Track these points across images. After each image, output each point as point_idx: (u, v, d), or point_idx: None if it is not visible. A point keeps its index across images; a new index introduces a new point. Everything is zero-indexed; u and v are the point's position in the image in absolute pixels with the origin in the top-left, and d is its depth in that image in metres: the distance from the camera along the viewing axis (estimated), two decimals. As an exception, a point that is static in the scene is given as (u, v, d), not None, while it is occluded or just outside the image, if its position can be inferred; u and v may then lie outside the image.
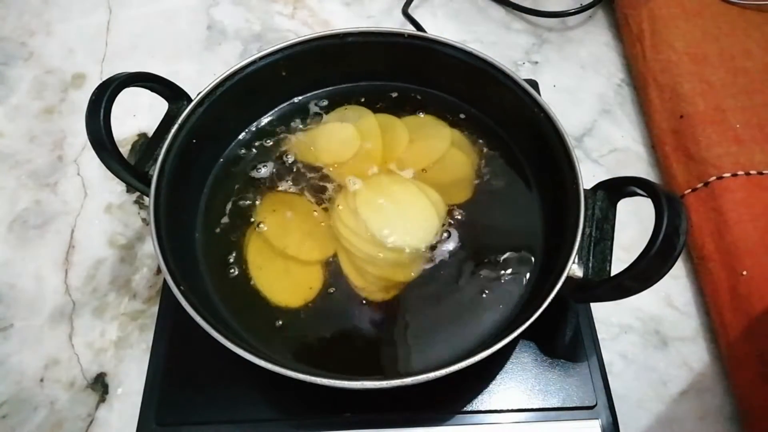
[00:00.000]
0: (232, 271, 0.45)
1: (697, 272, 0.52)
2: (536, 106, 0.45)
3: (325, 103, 0.54)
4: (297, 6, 0.73)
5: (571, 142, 0.42)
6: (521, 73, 0.65)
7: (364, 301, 0.44)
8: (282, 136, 0.52)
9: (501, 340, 0.35)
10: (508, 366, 0.45)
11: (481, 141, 0.51)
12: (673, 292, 0.52)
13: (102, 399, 0.47)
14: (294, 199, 0.48)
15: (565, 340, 0.47)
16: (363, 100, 0.54)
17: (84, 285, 0.53)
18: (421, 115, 0.53)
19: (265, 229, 0.47)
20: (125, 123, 0.62)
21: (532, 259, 0.45)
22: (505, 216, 0.47)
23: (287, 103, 0.53)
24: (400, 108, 0.53)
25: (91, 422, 0.46)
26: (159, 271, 0.53)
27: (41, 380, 0.48)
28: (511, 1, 0.71)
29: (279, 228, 0.47)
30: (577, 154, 0.42)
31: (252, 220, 0.47)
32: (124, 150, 0.60)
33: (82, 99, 0.59)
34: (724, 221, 0.49)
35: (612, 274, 0.39)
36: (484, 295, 0.44)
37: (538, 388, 0.44)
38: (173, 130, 0.44)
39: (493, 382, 0.44)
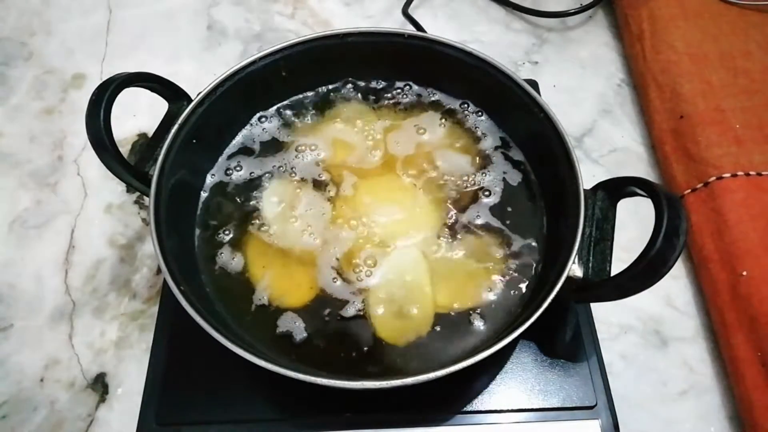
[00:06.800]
0: (232, 270, 0.45)
1: (697, 272, 0.52)
2: (536, 106, 0.45)
3: (325, 103, 0.54)
4: (297, 6, 0.73)
5: (571, 142, 0.42)
6: (521, 73, 0.65)
7: (364, 301, 0.43)
8: (282, 136, 0.52)
9: (501, 340, 0.35)
10: (508, 366, 0.45)
11: (481, 141, 0.51)
12: (673, 292, 0.52)
13: (102, 399, 0.47)
14: (294, 199, 0.48)
15: (565, 340, 0.47)
16: (363, 99, 0.54)
17: (84, 285, 0.53)
18: (421, 114, 0.53)
19: (266, 229, 0.47)
20: (125, 123, 0.62)
21: (532, 259, 0.45)
22: (505, 216, 0.47)
23: (287, 103, 0.53)
24: (400, 108, 0.53)
25: (91, 422, 0.46)
26: (159, 271, 0.53)
27: (41, 380, 0.48)
28: (511, 1, 0.71)
29: (279, 228, 0.47)
30: (577, 154, 0.42)
31: (252, 220, 0.47)
32: (124, 150, 0.60)
33: (82, 99, 0.59)
34: (723, 222, 0.49)
35: (612, 274, 0.39)
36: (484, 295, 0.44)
37: (538, 388, 0.44)
38: (173, 130, 0.44)
39: (493, 382, 0.44)
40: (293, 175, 0.50)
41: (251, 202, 0.48)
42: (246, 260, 0.45)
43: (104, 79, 0.42)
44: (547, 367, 0.45)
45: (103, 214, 0.57)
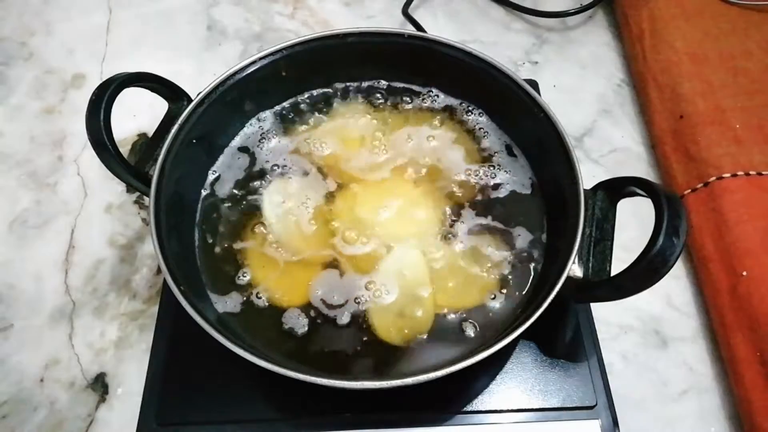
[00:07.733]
0: (232, 270, 0.45)
1: (697, 272, 0.52)
2: (536, 106, 0.45)
3: (325, 103, 0.54)
4: (297, 6, 0.73)
5: (571, 142, 0.42)
6: (521, 73, 0.65)
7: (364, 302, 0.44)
8: (282, 136, 0.52)
9: (501, 340, 0.35)
10: (508, 366, 0.45)
11: (480, 141, 0.51)
12: (673, 292, 0.52)
13: (102, 399, 0.47)
14: (294, 199, 0.48)
15: (565, 340, 0.47)
16: (363, 100, 0.54)
17: (84, 285, 0.53)
18: (421, 114, 0.53)
19: (266, 228, 0.47)
20: (125, 123, 0.62)
21: (532, 259, 0.45)
22: (505, 216, 0.47)
23: (287, 103, 0.53)
24: (400, 108, 0.53)
25: (91, 422, 0.46)
26: (159, 271, 0.53)
27: (41, 380, 0.48)
28: (511, 1, 0.71)
29: (279, 227, 0.47)
30: (577, 154, 0.42)
31: (252, 219, 0.47)
32: (124, 150, 0.60)
33: (82, 99, 0.59)
34: (724, 222, 0.49)
35: (612, 274, 0.39)
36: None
37: (538, 388, 0.44)
38: (173, 130, 0.44)
39: (493, 382, 0.44)
40: (293, 174, 0.50)
41: (251, 202, 0.48)
42: (246, 259, 0.45)
43: (104, 79, 0.42)
44: (547, 367, 0.45)
45: (103, 214, 0.57)
